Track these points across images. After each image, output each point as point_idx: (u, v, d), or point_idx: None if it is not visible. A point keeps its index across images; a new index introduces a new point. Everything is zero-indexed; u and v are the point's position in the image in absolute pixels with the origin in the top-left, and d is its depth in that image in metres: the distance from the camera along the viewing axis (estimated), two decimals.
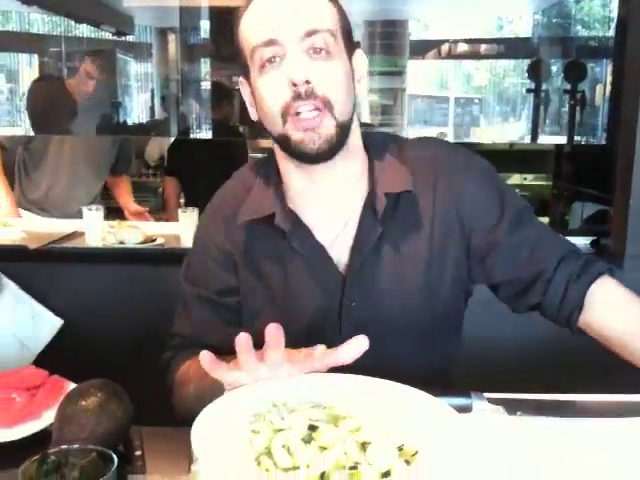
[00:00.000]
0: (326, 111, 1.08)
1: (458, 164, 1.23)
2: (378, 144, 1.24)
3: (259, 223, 1.20)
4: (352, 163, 1.19)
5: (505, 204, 1.21)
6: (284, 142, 1.13)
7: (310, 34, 1.07)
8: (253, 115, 1.18)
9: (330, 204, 1.20)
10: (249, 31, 1.11)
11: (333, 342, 1.21)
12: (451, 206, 1.20)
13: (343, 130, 1.12)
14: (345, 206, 1.20)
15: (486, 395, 1.07)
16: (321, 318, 1.21)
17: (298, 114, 1.08)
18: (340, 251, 1.20)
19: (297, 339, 1.23)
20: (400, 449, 0.84)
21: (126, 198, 3.73)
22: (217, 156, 3.62)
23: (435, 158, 1.23)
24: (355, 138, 1.19)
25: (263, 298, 1.23)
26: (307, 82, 1.06)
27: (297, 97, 1.07)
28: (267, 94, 1.10)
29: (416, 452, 0.83)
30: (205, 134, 5.09)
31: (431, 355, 1.25)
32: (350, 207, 1.20)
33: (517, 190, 4.61)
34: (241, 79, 1.18)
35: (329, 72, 1.09)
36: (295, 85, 1.06)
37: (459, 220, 1.20)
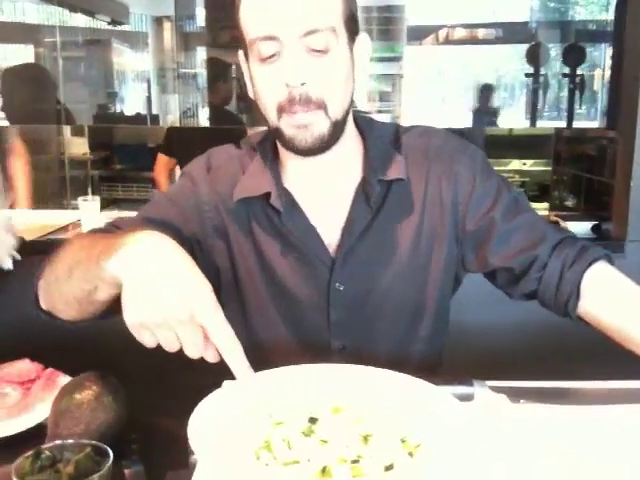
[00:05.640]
0: (320, 111, 1.08)
1: (452, 151, 1.23)
2: (374, 130, 1.24)
3: (255, 201, 1.20)
4: (346, 148, 1.19)
5: (500, 190, 1.22)
6: (278, 135, 1.13)
7: (310, 33, 1.05)
8: (251, 93, 1.17)
9: (324, 187, 1.21)
10: (248, 21, 1.09)
11: (322, 327, 1.21)
12: (444, 193, 1.21)
13: (337, 127, 1.12)
14: (338, 189, 1.21)
15: (488, 383, 1.05)
16: (310, 300, 1.21)
17: (292, 113, 1.07)
18: (331, 234, 1.20)
19: (285, 322, 1.23)
20: (403, 441, 0.82)
21: None
22: (215, 141, 3.56)
23: (429, 146, 1.24)
24: (349, 124, 1.19)
25: (261, 276, 1.23)
26: (302, 84, 1.06)
27: (292, 99, 1.06)
28: (263, 89, 1.10)
29: (419, 444, 0.81)
30: (202, 121, 5.07)
31: (420, 339, 1.26)
32: (343, 191, 1.20)
33: (516, 176, 4.61)
34: (241, 54, 1.16)
35: (327, 71, 1.08)
36: (290, 86, 1.06)
37: (453, 206, 1.21)
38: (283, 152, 1.20)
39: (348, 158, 1.20)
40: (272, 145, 1.23)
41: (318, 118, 1.08)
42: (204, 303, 0.80)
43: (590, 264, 1.14)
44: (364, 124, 1.24)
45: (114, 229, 1.15)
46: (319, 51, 1.06)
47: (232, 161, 1.26)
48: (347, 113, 1.15)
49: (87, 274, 0.91)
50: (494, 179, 1.23)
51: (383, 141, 1.23)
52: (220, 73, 4.23)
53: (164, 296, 0.79)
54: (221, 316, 0.81)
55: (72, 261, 0.97)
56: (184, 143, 3.88)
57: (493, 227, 1.19)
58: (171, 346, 0.81)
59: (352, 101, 1.15)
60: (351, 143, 1.21)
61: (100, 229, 1.17)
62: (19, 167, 3.50)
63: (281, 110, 1.08)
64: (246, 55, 1.13)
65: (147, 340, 0.82)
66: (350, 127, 1.20)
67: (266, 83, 1.09)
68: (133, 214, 1.24)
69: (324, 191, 1.21)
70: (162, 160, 3.98)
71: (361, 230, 1.19)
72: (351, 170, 1.21)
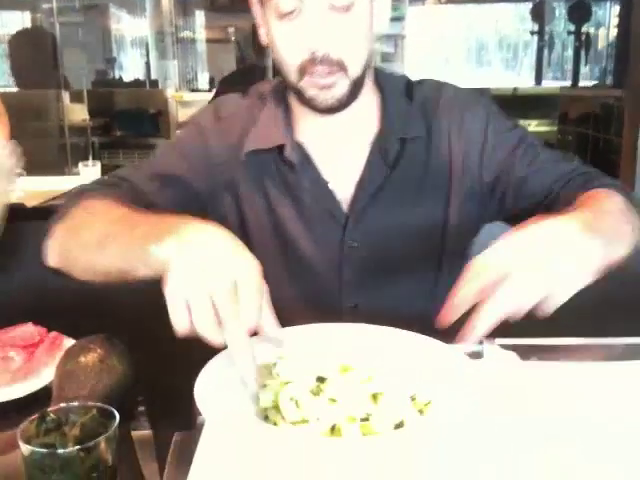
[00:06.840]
0: (341, 72, 1.07)
1: (464, 104, 1.21)
2: (391, 84, 1.22)
3: (266, 154, 1.18)
4: (364, 103, 1.17)
5: (515, 137, 1.19)
6: (298, 94, 1.11)
7: None
8: (263, 38, 1.13)
9: (339, 141, 1.18)
10: None
11: (333, 285, 1.19)
12: (457, 146, 1.19)
13: (356, 85, 1.10)
14: (353, 144, 1.18)
15: (498, 341, 1.04)
16: (322, 258, 1.20)
17: (314, 74, 1.06)
18: (344, 190, 1.18)
19: (297, 280, 1.22)
20: (413, 399, 0.81)
21: None
22: None
23: (441, 99, 1.22)
24: (367, 78, 1.16)
25: (272, 231, 1.21)
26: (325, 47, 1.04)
27: (313, 60, 1.04)
28: (283, 48, 1.07)
29: (429, 402, 0.80)
30: (202, 85, 5.03)
31: (435, 296, 1.22)
32: (358, 146, 1.18)
33: None
34: None
35: (349, 30, 1.05)
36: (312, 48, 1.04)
37: (466, 159, 1.19)
38: (297, 106, 1.17)
39: (365, 112, 1.18)
40: (285, 95, 1.20)
41: (339, 79, 1.07)
42: (249, 278, 0.78)
43: (595, 188, 1.07)
44: (382, 77, 1.21)
45: (123, 183, 1.12)
46: (342, 8, 1.03)
47: (241, 111, 1.22)
48: (366, 70, 1.12)
49: (126, 254, 0.88)
50: (508, 127, 1.21)
51: (399, 95, 1.21)
52: None
53: (210, 268, 0.77)
54: (260, 296, 0.79)
55: (102, 233, 0.94)
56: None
57: (511, 175, 1.17)
58: (205, 322, 0.76)
59: (370, 58, 1.13)
60: (369, 98, 1.18)
61: (112, 184, 1.14)
62: None
63: (302, 71, 1.06)
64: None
65: (181, 316, 0.77)
66: (368, 81, 1.17)
67: (286, 42, 1.06)
68: None
69: (338, 146, 1.18)
70: None
71: (376, 187, 1.17)
72: (368, 124, 1.19)
